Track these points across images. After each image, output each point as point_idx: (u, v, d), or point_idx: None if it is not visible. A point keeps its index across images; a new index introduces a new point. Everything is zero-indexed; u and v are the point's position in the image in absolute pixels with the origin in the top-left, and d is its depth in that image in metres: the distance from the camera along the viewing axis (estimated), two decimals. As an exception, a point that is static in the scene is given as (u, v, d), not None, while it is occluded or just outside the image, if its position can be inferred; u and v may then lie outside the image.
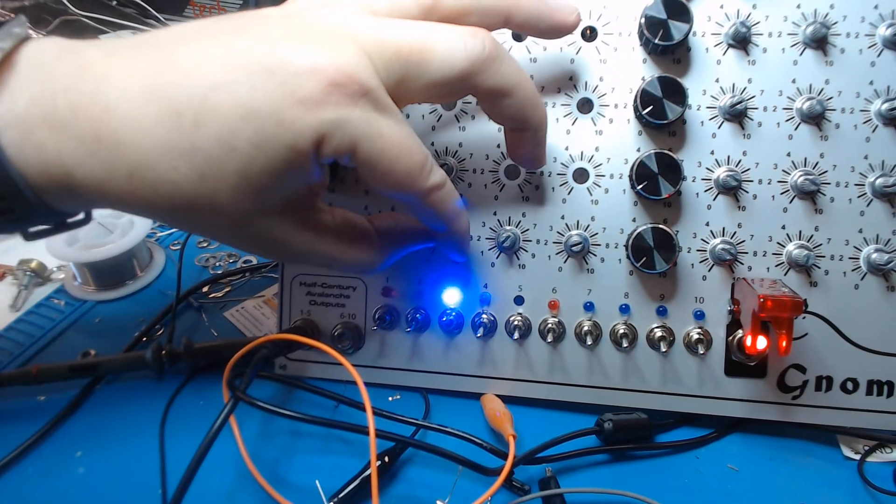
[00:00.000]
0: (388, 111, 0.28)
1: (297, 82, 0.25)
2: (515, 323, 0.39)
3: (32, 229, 0.30)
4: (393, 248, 0.35)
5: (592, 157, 0.38)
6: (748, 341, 0.34)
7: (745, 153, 0.37)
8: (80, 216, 0.31)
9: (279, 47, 0.26)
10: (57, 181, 0.26)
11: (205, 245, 0.59)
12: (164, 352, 0.42)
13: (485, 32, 0.30)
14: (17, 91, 0.25)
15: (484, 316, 0.39)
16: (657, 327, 0.38)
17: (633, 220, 0.38)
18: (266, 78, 0.25)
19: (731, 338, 0.37)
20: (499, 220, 0.39)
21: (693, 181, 0.37)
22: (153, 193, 0.26)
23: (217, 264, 0.56)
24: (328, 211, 0.33)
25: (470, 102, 0.39)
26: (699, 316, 0.38)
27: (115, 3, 0.84)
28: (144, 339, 0.47)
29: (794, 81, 0.37)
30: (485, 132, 0.39)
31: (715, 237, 0.37)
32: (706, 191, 0.37)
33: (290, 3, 0.30)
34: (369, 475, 0.33)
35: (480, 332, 0.39)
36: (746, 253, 0.37)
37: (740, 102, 0.36)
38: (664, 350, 0.37)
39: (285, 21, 0.28)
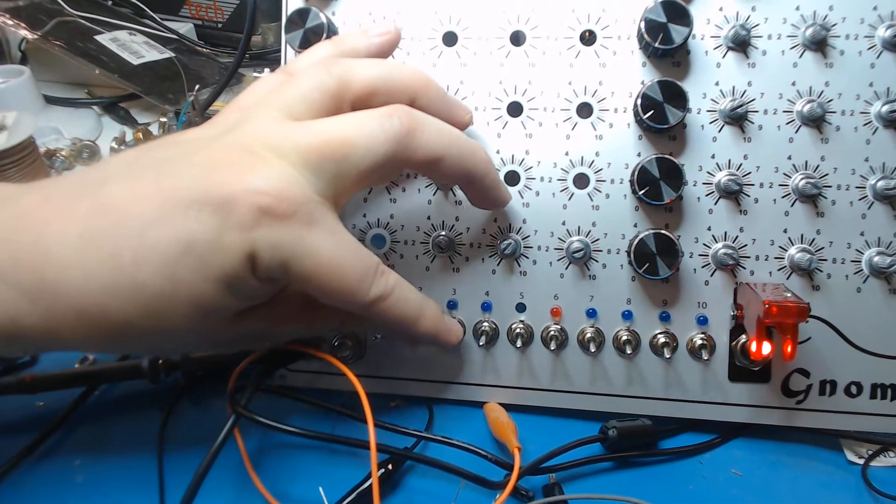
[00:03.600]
0: (321, 226, 0.28)
1: (229, 209, 0.26)
2: (517, 331, 0.38)
3: None
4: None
5: (593, 161, 0.38)
6: (753, 347, 0.34)
7: (745, 157, 0.37)
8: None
9: (207, 177, 0.26)
10: (2, 330, 0.26)
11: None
12: (160, 361, 0.41)
13: (399, 108, 0.30)
14: None
15: (486, 324, 0.39)
16: (660, 333, 0.38)
17: (635, 225, 0.38)
18: (199, 210, 0.26)
19: (734, 343, 0.37)
20: (499, 227, 0.39)
21: (694, 185, 0.37)
22: (106, 335, 0.27)
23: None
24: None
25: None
26: (702, 321, 0.38)
27: (110, 3, 0.83)
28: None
29: (793, 84, 0.37)
30: (484, 136, 0.39)
31: (717, 242, 0.37)
32: (707, 195, 0.37)
33: (211, 123, 0.30)
34: (370, 486, 0.33)
35: (482, 340, 0.38)
36: (749, 257, 0.37)
37: (741, 106, 0.36)
38: (668, 356, 0.37)
39: (209, 145, 0.28)
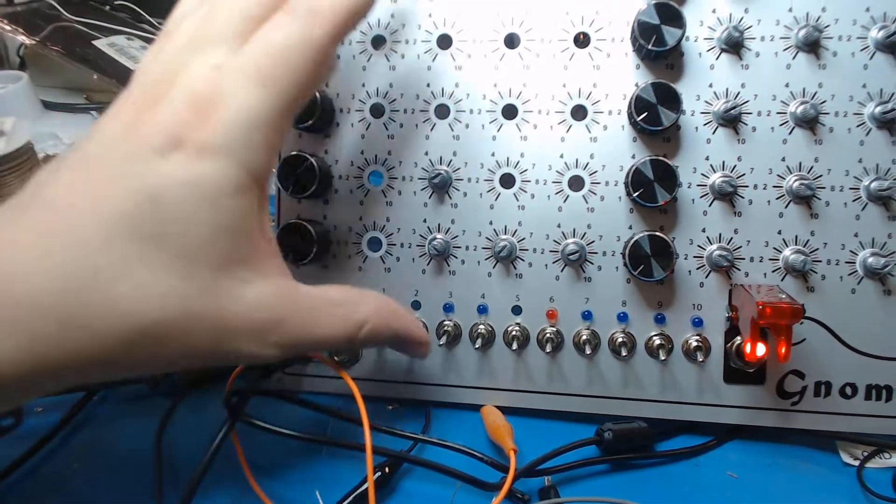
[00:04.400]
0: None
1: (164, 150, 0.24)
2: (513, 333, 0.38)
3: None
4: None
5: (587, 164, 0.38)
6: (747, 348, 0.34)
7: (739, 158, 0.37)
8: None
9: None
10: None
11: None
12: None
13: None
14: None
15: (482, 327, 0.39)
16: (656, 335, 0.38)
17: (630, 227, 0.38)
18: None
19: (729, 345, 0.37)
20: (495, 230, 0.39)
21: (689, 187, 0.37)
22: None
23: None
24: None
25: (464, 111, 0.39)
26: (697, 323, 0.38)
27: (108, 8, 0.84)
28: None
29: (787, 85, 0.37)
30: (479, 139, 0.39)
31: (711, 243, 0.37)
32: (702, 197, 0.37)
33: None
34: (366, 490, 0.33)
35: (479, 343, 0.38)
36: (743, 259, 0.37)
37: (734, 107, 0.36)
38: (663, 358, 0.37)
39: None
